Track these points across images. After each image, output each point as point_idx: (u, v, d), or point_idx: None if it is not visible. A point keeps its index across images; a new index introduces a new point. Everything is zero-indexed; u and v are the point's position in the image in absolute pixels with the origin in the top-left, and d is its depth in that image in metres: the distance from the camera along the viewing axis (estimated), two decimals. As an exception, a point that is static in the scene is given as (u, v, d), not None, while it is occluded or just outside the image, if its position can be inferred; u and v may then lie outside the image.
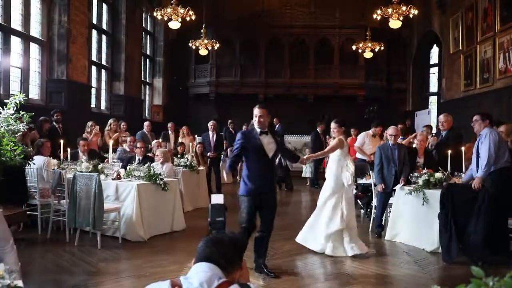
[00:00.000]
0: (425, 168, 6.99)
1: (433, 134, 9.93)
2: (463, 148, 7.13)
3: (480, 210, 5.65)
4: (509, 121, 8.49)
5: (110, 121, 10.71)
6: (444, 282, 5.11)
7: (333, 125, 6.32)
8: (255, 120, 5.23)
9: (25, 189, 6.83)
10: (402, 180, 6.97)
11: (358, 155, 9.88)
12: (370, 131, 9.82)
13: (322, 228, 6.17)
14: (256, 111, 5.18)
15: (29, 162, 6.76)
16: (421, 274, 5.45)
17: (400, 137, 8.30)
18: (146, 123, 11.87)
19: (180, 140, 11.99)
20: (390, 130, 7.39)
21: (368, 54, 16.45)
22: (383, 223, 7.28)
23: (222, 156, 12.23)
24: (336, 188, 6.13)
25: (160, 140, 11.14)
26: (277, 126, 15.86)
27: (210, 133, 11.33)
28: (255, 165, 5.16)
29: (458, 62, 14.18)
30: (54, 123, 9.51)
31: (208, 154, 11.13)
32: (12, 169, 6.75)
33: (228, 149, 13.28)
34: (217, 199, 2.45)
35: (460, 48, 14.07)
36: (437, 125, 9.85)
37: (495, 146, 5.68)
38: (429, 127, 12.06)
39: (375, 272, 5.53)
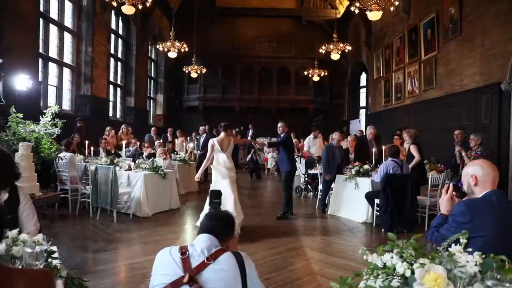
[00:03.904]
0: (356, 162, 7.13)
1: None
2: (384, 147, 7.27)
3: (407, 193, 5.80)
4: (414, 127, 8.72)
5: (123, 126, 10.43)
6: (370, 244, 5.23)
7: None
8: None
9: (55, 175, 6.84)
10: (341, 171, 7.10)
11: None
12: (311, 135, 9.92)
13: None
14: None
15: (61, 157, 6.69)
16: (353, 239, 5.57)
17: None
18: (153, 129, 11.52)
19: (169, 140, 11.81)
20: (336, 136, 7.43)
21: (316, 78, 16.59)
22: (326, 202, 7.36)
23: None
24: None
25: (161, 141, 10.96)
26: (251, 130, 15.88)
27: (201, 135, 11.25)
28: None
29: (380, 85, 14.47)
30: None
31: (197, 151, 11.02)
32: (47, 162, 6.67)
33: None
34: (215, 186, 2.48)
35: (381, 75, 14.34)
36: (365, 131, 10.02)
37: None
38: (361, 132, 12.29)
39: (320, 238, 5.62)
